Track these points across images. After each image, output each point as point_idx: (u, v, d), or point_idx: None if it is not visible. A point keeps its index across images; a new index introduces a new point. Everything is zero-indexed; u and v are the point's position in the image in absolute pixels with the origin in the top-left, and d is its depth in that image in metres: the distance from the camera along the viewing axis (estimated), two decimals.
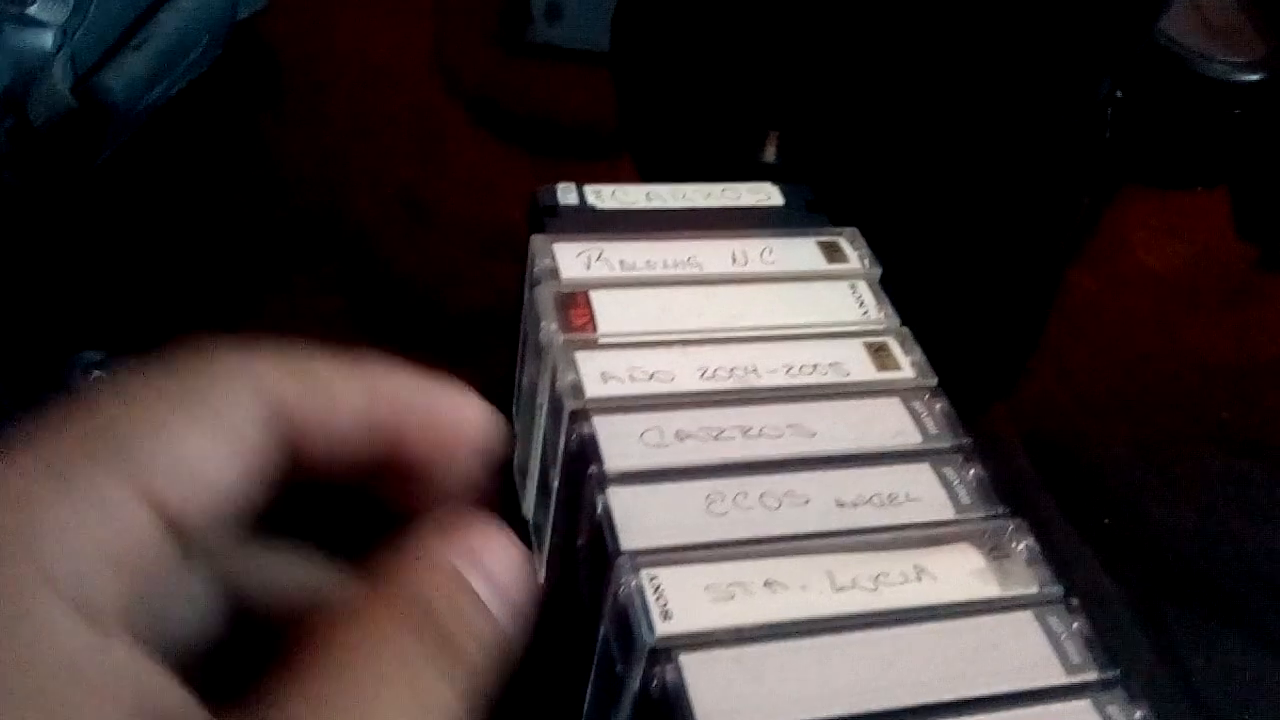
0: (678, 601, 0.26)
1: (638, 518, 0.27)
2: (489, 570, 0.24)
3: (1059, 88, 0.50)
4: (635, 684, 0.25)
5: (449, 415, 0.25)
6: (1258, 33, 0.58)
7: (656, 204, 0.36)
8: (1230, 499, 0.42)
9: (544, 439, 0.33)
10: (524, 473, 0.35)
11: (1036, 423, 0.45)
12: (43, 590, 0.20)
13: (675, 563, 0.27)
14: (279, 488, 0.24)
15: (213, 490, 0.22)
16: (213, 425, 0.22)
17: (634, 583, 0.26)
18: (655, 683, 0.25)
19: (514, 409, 0.38)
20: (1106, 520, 0.40)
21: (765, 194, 0.37)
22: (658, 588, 0.26)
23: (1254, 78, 0.57)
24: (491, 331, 0.40)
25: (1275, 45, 0.58)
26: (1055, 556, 0.39)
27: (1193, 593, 0.39)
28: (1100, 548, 0.40)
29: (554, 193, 0.36)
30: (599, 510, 0.27)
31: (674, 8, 0.50)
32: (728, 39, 0.50)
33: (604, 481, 0.28)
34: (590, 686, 0.28)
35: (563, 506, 0.31)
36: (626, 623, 0.26)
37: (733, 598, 0.26)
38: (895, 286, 0.36)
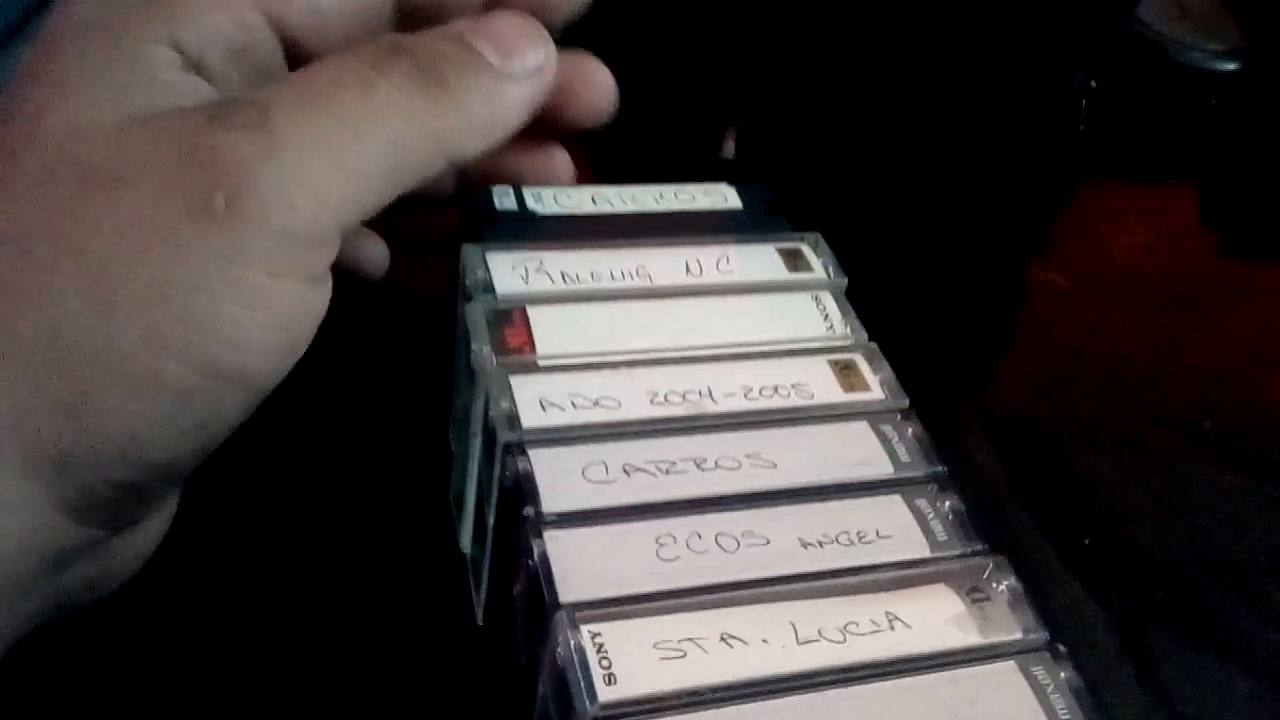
0: (623, 662, 0.23)
1: (579, 565, 0.25)
2: (497, 31, 0.28)
3: (1032, 79, 0.48)
4: None
5: None
6: (1235, 21, 0.56)
7: (603, 208, 0.33)
8: (1215, 513, 0.40)
9: (479, 470, 0.30)
10: (460, 503, 0.32)
11: (1012, 434, 0.42)
12: (162, 46, 0.25)
13: (621, 617, 0.24)
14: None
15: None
16: None
17: (574, 641, 0.23)
18: None
19: (450, 431, 0.35)
20: (1087, 541, 0.38)
21: (722, 196, 0.35)
22: (600, 646, 0.23)
23: (1231, 66, 0.55)
24: (429, 344, 0.37)
25: (1252, 34, 0.56)
26: (1034, 580, 0.37)
27: (1178, 615, 0.37)
28: (1081, 569, 0.37)
29: (489, 196, 0.33)
30: (535, 557, 0.25)
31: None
32: (686, 27, 0.48)
33: (541, 525, 0.25)
34: None
35: (499, 547, 0.28)
36: (565, 687, 0.23)
37: (685, 655, 0.23)
38: (859, 286, 0.33)
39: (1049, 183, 0.53)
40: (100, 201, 0.24)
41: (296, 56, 0.28)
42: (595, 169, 0.48)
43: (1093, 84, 0.52)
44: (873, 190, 0.48)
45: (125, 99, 0.25)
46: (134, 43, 0.25)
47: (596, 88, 0.31)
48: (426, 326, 0.39)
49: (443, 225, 0.34)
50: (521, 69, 0.28)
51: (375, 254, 0.34)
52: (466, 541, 0.32)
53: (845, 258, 0.34)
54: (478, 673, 0.30)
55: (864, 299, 0.33)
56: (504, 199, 0.33)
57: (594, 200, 0.33)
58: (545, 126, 0.31)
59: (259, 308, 0.24)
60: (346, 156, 0.25)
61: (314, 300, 0.26)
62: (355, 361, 0.39)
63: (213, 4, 0.26)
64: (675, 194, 0.34)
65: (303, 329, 0.26)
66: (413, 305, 0.40)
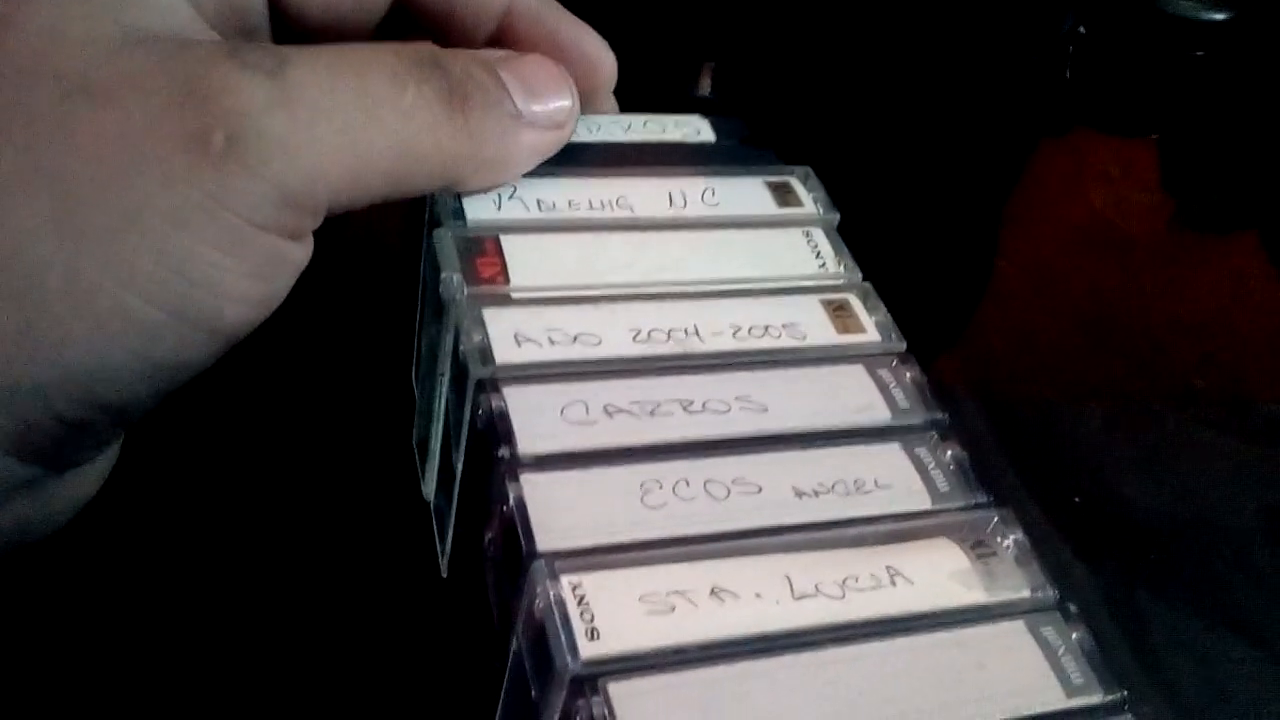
0: (606, 615, 0.21)
1: (557, 511, 0.23)
2: (529, 72, 0.27)
3: (1021, 22, 0.46)
4: (554, 718, 0.21)
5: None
6: None
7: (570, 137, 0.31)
8: (1206, 473, 0.39)
9: (446, 411, 0.28)
10: (424, 449, 0.30)
11: (999, 392, 0.41)
12: None
13: (603, 567, 0.22)
14: None
15: None
16: None
17: (553, 593, 0.21)
18: (579, 717, 0.20)
19: (413, 373, 0.33)
20: (1077, 499, 0.36)
21: (694, 128, 0.32)
22: (581, 598, 0.21)
23: (1220, 16, 0.54)
24: (389, 282, 0.35)
25: None
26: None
27: (1169, 577, 0.36)
28: (1071, 530, 0.36)
29: None
30: (510, 502, 0.23)
31: None
32: None
33: (517, 467, 0.23)
34: (499, 712, 0.23)
35: (468, 493, 0.26)
36: (544, 643, 0.21)
37: (673, 610, 0.21)
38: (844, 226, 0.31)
39: (1035, 128, 0.52)
40: (83, 119, 0.22)
41: (282, 14, 0.27)
42: None
43: (1081, 30, 0.50)
44: (853, 129, 0.46)
45: (122, 13, 0.23)
46: None
47: (597, 68, 0.30)
48: (386, 263, 0.36)
49: None
50: (544, 117, 0.27)
51: None
52: (431, 489, 0.30)
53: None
54: (443, 628, 0.28)
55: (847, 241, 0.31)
56: None
57: None
58: None
59: (238, 254, 0.23)
60: (359, 138, 0.24)
61: (294, 255, 0.24)
62: (310, 302, 0.37)
63: None
64: (644, 124, 0.32)
65: (279, 283, 0.24)
66: (372, 241, 0.37)
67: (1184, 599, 0.35)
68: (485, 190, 0.28)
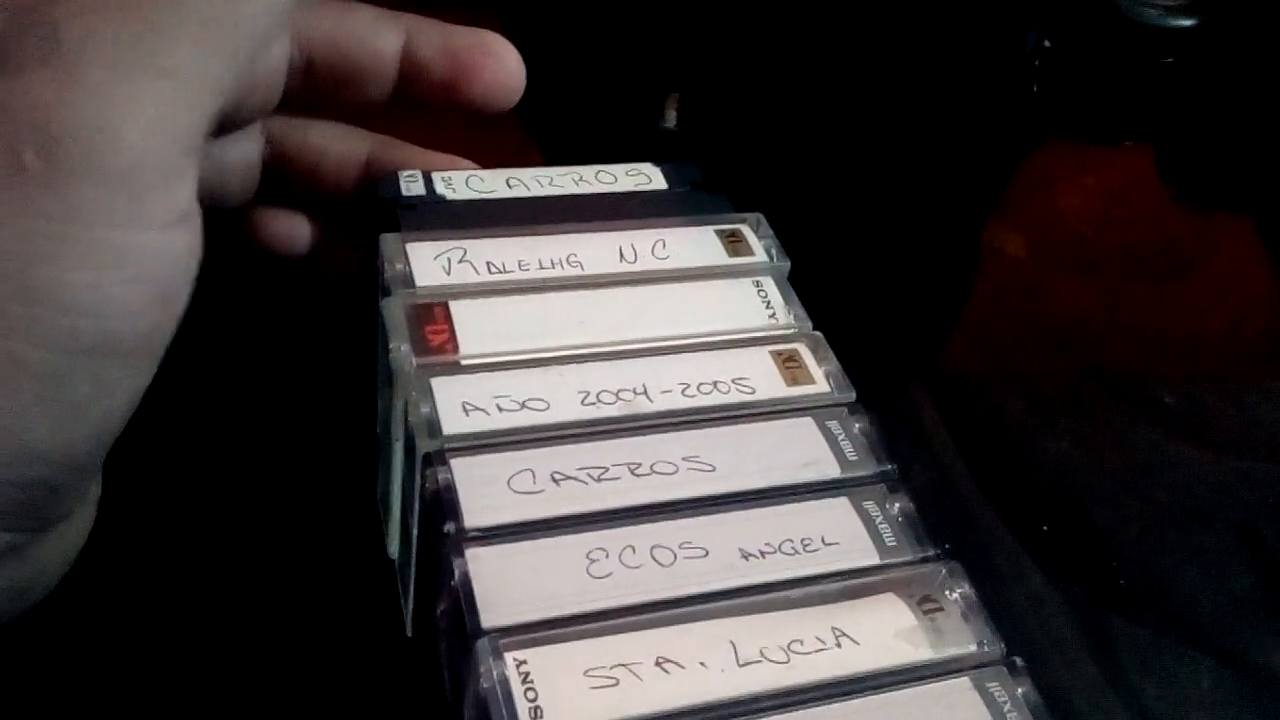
0: (550, 692, 0.21)
1: (504, 587, 0.23)
2: None
3: (984, 40, 0.46)
4: None
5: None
6: None
7: (519, 192, 0.31)
8: (1178, 492, 0.39)
9: (402, 477, 0.28)
10: (386, 506, 0.30)
11: (966, 410, 0.41)
12: None
13: (548, 642, 0.22)
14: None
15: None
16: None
17: (496, 672, 0.21)
18: None
19: (379, 425, 0.33)
20: (1045, 527, 0.37)
21: (645, 176, 0.33)
22: (526, 675, 0.21)
23: (1186, 23, 0.54)
24: (359, 326, 0.35)
25: None
26: (993, 569, 0.36)
27: (1140, 603, 0.36)
28: (1041, 557, 0.36)
29: (395, 182, 0.30)
30: (456, 578, 0.23)
31: None
32: None
33: (462, 542, 0.23)
34: None
35: (423, 559, 0.26)
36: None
37: (617, 683, 0.22)
38: (807, 260, 0.31)
39: (1004, 144, 0.51)
40: None
41: None
42: (540, 145, 0.46)
43: (1046, 43, 0.50)
44: (821, 157, 0.47)
45: None
46: None
47: (501, 67, 0.30)
48: (356, 305, 0.37)
49: None
50: None
51: (295, 231, 0.32)
52: (394, 547, 0.30)
53: (792, 229, 0.32)
54: (404, 692, 0.29)
55: (813, 273, 0.31)
56: (411, 185, 0.31)
57: (509, 184, 0.31)
58: (442, 104, 0.30)
59: (110, 266, 0.21)
60: (159, 62, 0.21)
61: (179, 243, 0.22)
62: (280, 345, 0.37)
63: None
64: (596, 175, 0.32)
65: (173, 278, 0.22)
66: (341, 284, 0.37)
67: (1157, 624, 0.35)
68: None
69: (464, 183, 0.31)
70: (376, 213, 0.30)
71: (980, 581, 0.25)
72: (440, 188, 0.31)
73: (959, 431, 0.40)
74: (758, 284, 0.30)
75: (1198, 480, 0.40)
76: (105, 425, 0.23)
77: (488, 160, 0.34)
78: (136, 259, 0.21)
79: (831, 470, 0.26)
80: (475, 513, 0.24)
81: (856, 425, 0.27)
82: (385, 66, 0.29)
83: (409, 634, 0.29)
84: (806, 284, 0.31)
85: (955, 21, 0.45)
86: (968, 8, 0.44)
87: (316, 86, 0.29)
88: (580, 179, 0.32)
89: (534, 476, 0.25)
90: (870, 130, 0.46)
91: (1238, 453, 0.41)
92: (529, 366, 0.27)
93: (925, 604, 0.24)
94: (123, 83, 0.20)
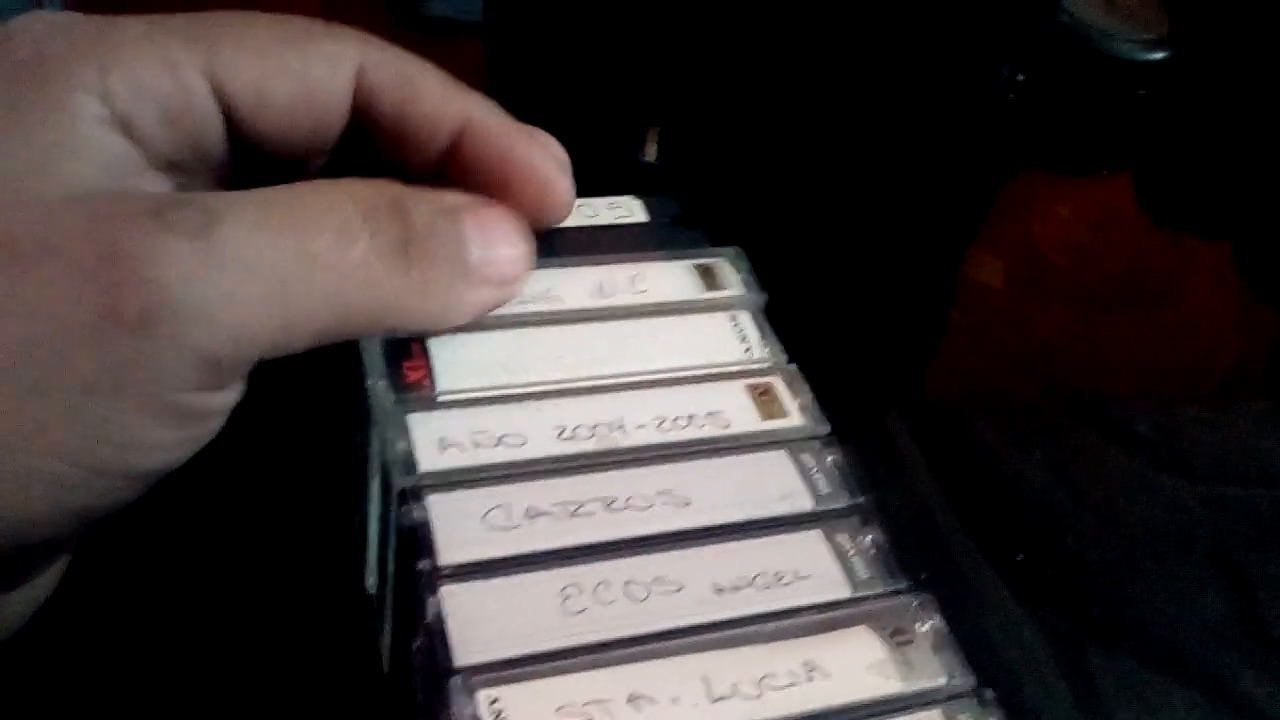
0: None
1: (477, 623, 0.23)
2: (488, 225, 0.27)
3: (958, 74, 0.47)
4: None
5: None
6: (1162, 9, 0.55)
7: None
8: (1152, 521, 0.39)
9: (378, 512, 0.28)
10: (364, 540, 0.30)
11: (942, 441, 0.41)
12: (88, 95, 0.23)
13: (522, 679, 0.22)
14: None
15: (278, 102, 0.25)
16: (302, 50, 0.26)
17: (468, 710, 0.21)
18: None
19: (355, 462, 0.34)
20: (1020, 555, 0.37)
21: (625, 209, 0.33)
22: (499, 713, 0.22)
23: (1159, 56, 0.55)
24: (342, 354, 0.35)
25: (1179, 22, 0.55)
26: (969, 598, 0.36)
27: (1115, 630, 0.36)
28: (1017, 584, 0.36)
29: None
30: (430, 615, 0.23)
31: None
32: (606, 25, 0.46)
33: (437, 579, 0.24)
34: None
35: (399, 595, 0.26)
36: None
37: None
38: (786, 291, 0.32)
39: (980, 177, 0.52)
40: (2, 280, 0.21)
41: (239, 137, 0.26)
42: None
43: (1020, 77, 0.51)
44: (801, 190, 0.47)
45: (51, 164, 0.22)
46: (61, 90, 0.23)
47: (549, 191, 0.28)
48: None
49: None
50: (497, 275, 0.27)
51: None
52: (372, 581, 0.30)
53: (772, 261, 0.32)
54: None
55: (793, 304, 0.31)
56: None
57: None
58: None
59: (156, 415, 0.22)
60: (291, 301, 0.23)
61: (218, 403, 0.24)
62: (259, 379, 0.37)
63: (150, 54, 0.24)
64: (578, 207, 0.32)
65: (203, 429, 0.24)
66: None
67: (1132, 653, 0.36)
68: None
69: None
70: None
71: (956, 609, 0.25)
72: None
73: (935, 460, 0.40)
74: (733, 318, 0.30)
75: (1172, 507, 0.40)
76: (88, 522, 0.24)
77: None
78: (181, 412, 0.23)
79: (805, 503, 0.27)
80: (450, 549, 0.24)
81: (829, 458, 0.27)
82: (438, 141, 0.28)
83: (385, 669, 0.29)
84: (786, 315, 0.31)
85: (929, 57, 0.45)
86: (941, 43, 0.44)
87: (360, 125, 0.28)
88: None
89: (509, 512, 0.25)
90: (847, 163, 0.46)
91: (1212, 479, 0.42)
92: (505, 402, 0.27)
93: (897, 636, 0.24)
94: (247, 287, 0.22)
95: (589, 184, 0.35)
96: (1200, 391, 0.46)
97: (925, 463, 0.40)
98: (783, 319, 0.31)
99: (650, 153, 0.47)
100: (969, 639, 0.25)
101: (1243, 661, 0.36)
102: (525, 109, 0.47)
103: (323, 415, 0.36)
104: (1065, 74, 0.53)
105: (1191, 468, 0.42)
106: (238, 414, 0.35)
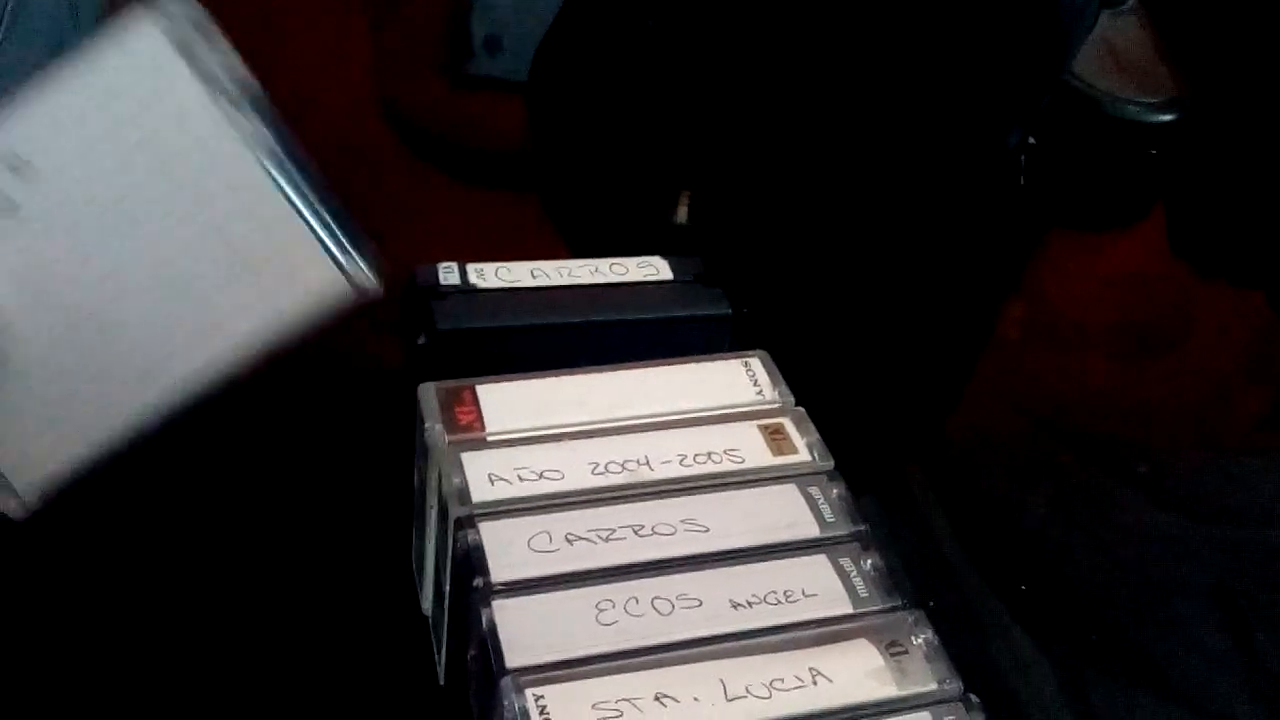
0: None
1: (524, 632, 0.27)
2: None
3: (969, 141, 0.50)
4: None
5: None
6: (1170, 72, 0.58)
7: (542, 281, 0.35)
8: (1154, 558, 0.42)
9: (436, 540, 0.32)
10: (421, 568, 0.34)
11: (953, 482, 0.44)
12: None
13: (562, 680, 0.26)
14: None
15: None
16: None
17: (518, 705, 0.25)
18: None
19: (414, 495, 0.37)
20: (1023, 586, 0.40)
21: (654, 267, 0.37)
22: (543, 709, 0.25)
23: (1168, 118, 0.57)
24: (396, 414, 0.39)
25: (1188, 84, 0.58)
26: (979, 629, 0.39)
27: (1117, 660, 0.39)
28: (1021, 614, 0.39)
29: (435, 272, 0.35)
30: (484, 625, 0.27)
31: (590, 66, 0.50)
32: (642, 96, 0.50)
33: (490, 594, 0.27)
34: None
35: (454, 613, 0.30)
36: None
37: (621, 715, 0.25)
38: (811, 352, 0.35)
39: (999, 239, 0.55)
40: None
41: None
42: (564, 236, 0.50)
43: (1031, 140, 0.54)
44: (827, 253, 0.50)
45: None
46: None
47: None
48: (393, 392, 0.40)
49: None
50: None
51: None
52: (428, 605, 0.34)
53: (798, 324, 0.36)
54: None
55: (814, 362, 0.35)
56: (448, 275, 0.35)
57: (533, 274, 0.35)
58: None
59: None
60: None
61: None
62: (327, 431, 0.41)
63: None
64: (610, 267, 0.36)
65: None
66: (372, 377, 0.41)
67: (1132, 681, 0.38)
68: None
69: (494, 273, 0.35)
70: (410, 298, 0.34)
71: (964, 638, 0.28)
72: (473, 278, 0.35)
73: (944, 497, 0.43)
74: (746, 364, 0.34)
75: (1174, 545, 0.42)
76: None
77: (519, 248, 0.38)
78: None
79: (811, 531, 0.30)
80: (500, 569, 0.28)
81: (834, 490, 0.31)
82: None
83: (441, 682, 0.33)
84: (815, 371, 0.34)
85: (943, 126, 0.48)
86: (954, 114, 0.48)
87: None
88: (595, 270, 0.36)
89: (550, 537, 0.29)
90: (868, 223, 0.50)
91: (1212, 519, 0.44)
92: (546, 442, 0.31)
93: (893, 648, 0.28)
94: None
95: (626, 241, 0.39)
96: (1207, 435, 0.48)
97: (937, 500, 0.43)
98: (811, 374, 0.34)
99: (681, 215, 0.50)
100: (976, 667, 0.28)
101: (1239, 694, 0.38)
102: (564, 171, 0.51)
103: (377, 465, 0.39)
104: (1077, 136, 0.56)
105: (1191, 508, 0.44)
106: (308, 465, 0.39)
